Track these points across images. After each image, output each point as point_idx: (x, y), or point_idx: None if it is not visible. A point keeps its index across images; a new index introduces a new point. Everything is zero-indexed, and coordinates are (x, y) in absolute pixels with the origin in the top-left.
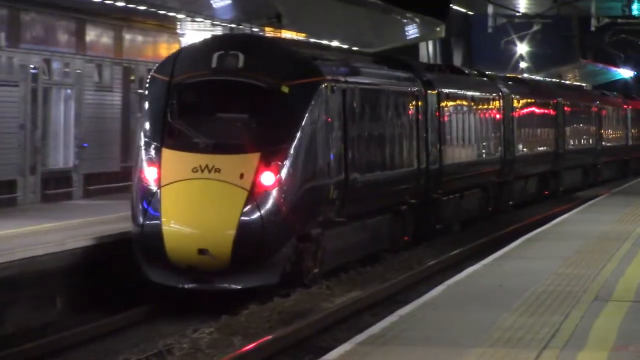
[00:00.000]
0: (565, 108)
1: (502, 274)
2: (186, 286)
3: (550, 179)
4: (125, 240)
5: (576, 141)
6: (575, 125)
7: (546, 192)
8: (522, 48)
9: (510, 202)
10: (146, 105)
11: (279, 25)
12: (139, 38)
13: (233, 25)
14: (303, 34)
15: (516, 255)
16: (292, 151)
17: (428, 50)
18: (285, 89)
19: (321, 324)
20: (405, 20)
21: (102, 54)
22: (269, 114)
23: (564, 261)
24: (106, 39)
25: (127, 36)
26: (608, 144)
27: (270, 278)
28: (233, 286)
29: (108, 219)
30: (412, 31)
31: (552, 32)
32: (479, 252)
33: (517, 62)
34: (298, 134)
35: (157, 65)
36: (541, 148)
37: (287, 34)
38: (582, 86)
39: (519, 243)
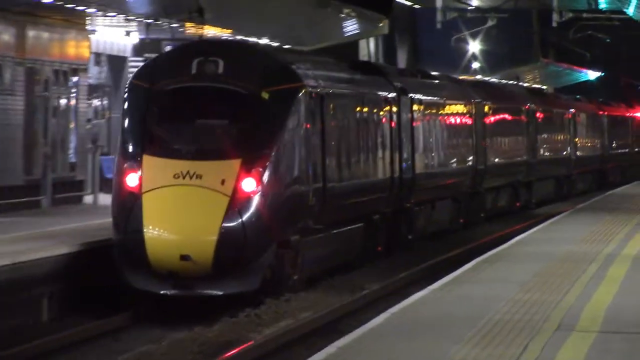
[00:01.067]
0: (538, 114)
1: (454, 301)
2: (168, 292)
3: (523, 190)
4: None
5: (549, 151)
6: (547, 134)
7: (517, 204)
8: (474, 46)
9: (482, 214)
10: (126, 111)
11: (201, 21)
12: (44, 35)
13: (150, 21)
14: (228, 30)
15: (469, 279)
16: (273, 157)
17: (369, 48)
18: (265, 95)
19: (246, 358)
20: (342, 15)
21: (2, 52)
22: (250, 120)
23: (523, 286)
24: (7, 36)
25: (31, 33)
26: (583, 154)
27: (251, 284)
28: (214, 292)
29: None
30: (351, 27)
31: (508, 29)
32: (435, 272)
33: (470, 62)
34: (278, 140)
35: (135, 71)
36: (514, 158)
37: (210, 31)
38: (543, 89)
39: (472, 265)
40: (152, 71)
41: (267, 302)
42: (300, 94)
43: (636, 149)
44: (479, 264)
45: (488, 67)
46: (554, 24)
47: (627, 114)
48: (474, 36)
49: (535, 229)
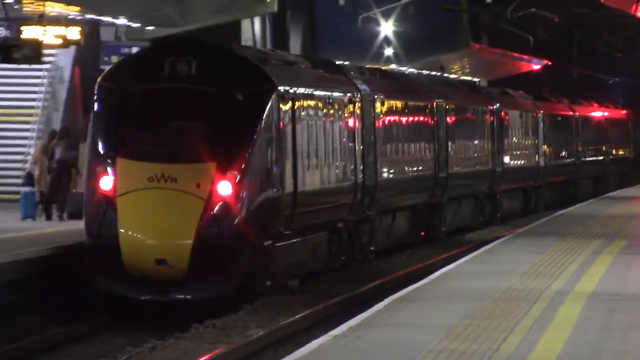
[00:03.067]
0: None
1: (360, 352)
2: (142, 297)
3: (487, 203)
4: None
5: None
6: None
7: (481, 219)
8: (387, 28)
9: (443, 228)
10: (96, 113)
11: None
12: None
13: None
14: (75, 8)
15: (381, 322)
16: (248, 160)
17: (254, 31)
18: (239, 97)
19: None
20: None
21: None
22: (224, 122)
23: (449, 332)
24: None
25: None
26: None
27: (226, 289)
28: (189, 297)
29: None
30: (230, 5)
31: (430, 6)
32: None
33: (381, 48)
34: (253, 143)
35: (104, 72)
36: (478, 166)
37: (53, 8)
38: (474, 82)
39: (386, 304)
40: (122, 72)
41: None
42: (274, 96)
43: (585, 158)
44: (393, 304)
45: (404, 54)
46: (488, 1)
47: (571, 113)
48: (386, 15)
49: (464, 259)
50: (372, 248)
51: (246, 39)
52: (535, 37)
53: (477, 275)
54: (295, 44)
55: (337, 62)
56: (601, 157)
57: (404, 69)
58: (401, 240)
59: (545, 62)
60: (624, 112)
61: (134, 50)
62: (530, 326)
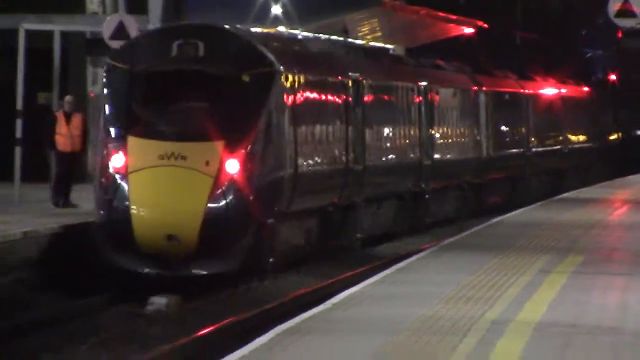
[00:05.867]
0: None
1: None
2: (153, 272)
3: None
4: None
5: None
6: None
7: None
8: None
9: (358, 235)
10: (107, 93)
11: None
12: None
13: None
14: None
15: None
16: (254, 140)
17: None
18: (246, 78)
19: None
20: None
21: None
22: (231, 103)
23: None
24: None
25: None
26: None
27: (233, 265)
28: (197, 272)
29: None
30: None
31: None
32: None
33: (267, 6)
34: (259, 123)
35: (113, 52)
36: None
37: None
38: (388, 49)
39: (271, 338)
40: (132, 53)
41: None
42: (278, 77)
43: (536, 149)
44: (281, 337)
45: (297, 13)
46: None
47: (523, 91)
48: None
49: (374, 278)
50: (358, 235)
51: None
52: None
53: (390, 299)
54: (155, 6)
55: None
56: (557, 148)
57: (296, 31)
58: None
59: (479, 23)
60: (587, 90)
61: None
62: None
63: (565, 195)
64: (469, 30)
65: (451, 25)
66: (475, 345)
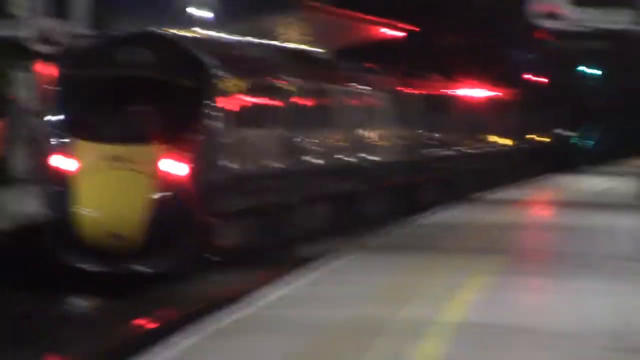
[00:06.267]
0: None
1: None
2: (99, 268)
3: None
4: None
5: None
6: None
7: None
8: None
9: (361, 220)
10: (54, 98)
11: None
12: None
13: None
14: None
15: None
16: (195, 142)
17: None
18: (187, 83)
19: None
20: None
21: None
22: (173, 107)
23: None
24: None
25: None
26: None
27: (175, 262)
28: (140, 268)
29: None
30: None
31: None
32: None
33: (188, 8)
34: (200, 126)
35: (62, 59)
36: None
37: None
38: (321, 54)
39: (196, 339)
40: (79, 59)
41: None
42: (218, 83)
43: (466, 150)
44: (205, 338)
45: (221, 16)
46: None
47: (452, 93)
48: None
49: (298, 280)
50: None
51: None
52: None
53: (314, 301)
54: (77, 8)
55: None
56: (487, 149)
57: (221, 34)
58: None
59: (408, 27)
60: (514, 91)
61: None
62: None
63: (487, 195)
64: (395, 33)
65: (378, 27)
66: (399, 346)
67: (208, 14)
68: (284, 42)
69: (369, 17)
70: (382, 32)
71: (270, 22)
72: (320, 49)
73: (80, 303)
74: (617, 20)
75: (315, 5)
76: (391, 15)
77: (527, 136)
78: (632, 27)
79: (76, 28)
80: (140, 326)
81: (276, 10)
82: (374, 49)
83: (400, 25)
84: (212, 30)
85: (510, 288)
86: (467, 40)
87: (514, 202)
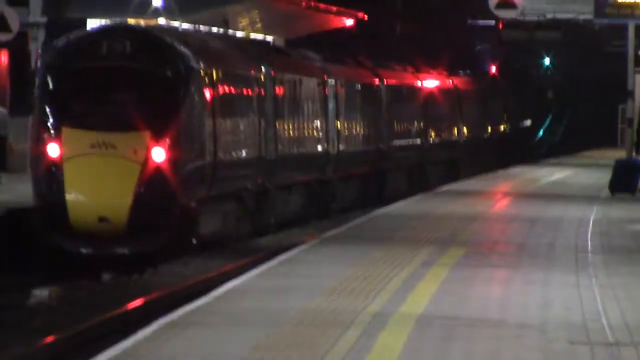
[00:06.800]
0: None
1: None
2: (86, 251)
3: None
4: None
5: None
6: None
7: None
8: None
9: (334, 206)
10: (42, 88)
11: None
12: None
13: None
14: None
15: (146, 355)
16: (177, 130)
17: None
18: (168, 74)
19: None
20: None
21: None
22: (156, 97)
23: None
24: None
25: None
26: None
27: (159, 244)
28: (127, 250)
29: None
30: None
31: None
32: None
33: None
34: (181, 115)
35: (48, 51)
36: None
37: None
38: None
39: (154, 330)
40: (65, 52)
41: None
42: (196, 74)
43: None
44: (163, 330)
45: (178, 5)
46: None
47: (420, 84)
48: None
49: (255, 271)
50: (272, 220)
51: None
52: None
53: (271, 292)
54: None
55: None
56: (452, 139)
57: (176, 24)
58: (295, 217)
59: (359, 15)
60: (476, 81)
61: None
62: (342, 359)
63: (447, 187)
64: (349, 21)
65: (332, 16)
66: (358, 337)
67: (158, 2)
68: (239, 30)
69: (322, 5)
70: (335, 21)
71: (223, 11)
72: (272, 37)
73: (42, 293)
74: (571, 10)
75: None
76: (346, 3)
77: (488, 127)
78: (586, 16)
79: (33, 16)
80: (101, 316)
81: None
82: (329, 37)
83: (355, 13)
84: (167, 20)
85: (472, 279)
86: (425, 29)
87: (473, 193)
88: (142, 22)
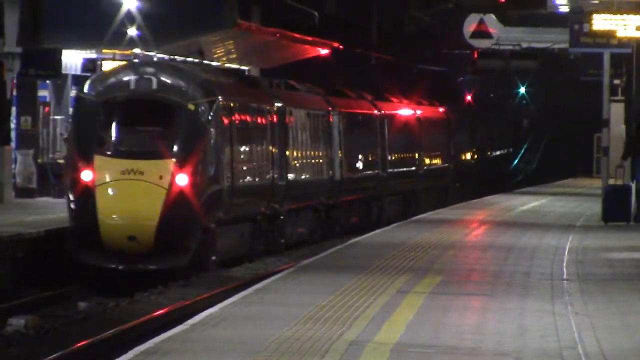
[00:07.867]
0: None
1: None
2: (117, 267)
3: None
4: None
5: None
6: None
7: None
8: (130, 2)
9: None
10: (77, 119)
11: None
12: None
13: None
14: None
15: None
16: (199, 158)
17: None
18: (191, 107)
19: None
20: None
21: None
22: (180, 127)
23: None
24: None
25: None
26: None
27: (182, 261)
28: (152, 266)
29: None
30: None
31: None
32: None
33: (123, 27)
34: (203, 144)
35: (82, 86)
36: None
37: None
38: (244, 70)
39: (129, 359)
40: (98, 86)
41: None
42: (218, 106)
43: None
44: (139, 358)
45: (153, 35)
46: None
47: (378, 112)
48: None
49: (231, 299)
50: (282, 240)
51: None
52: (322, 13)
53: (248, 320)
54: (11, 25)
55: (255, 77)
56: (413, 169)
57: (152, 54)
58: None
59: (334, 45)
60: (443, 110)
61: None
62: None
63: (421, 216)
64: (324, 51)
65: (306, 46)
66: None
67: (135, 32)
68: (214, 60)
69: (297, 35)
70: (310, 50)
71: (198, 41)
72: (248, 66)
73: (18, 322)
74: (547, 39)
75: (245, 24)
76: (320, 33)
77: (461, 156)
78: (562, 45)
79: (9, 46)
80: (77, 342)
81: (208, 29)
82: (302, 66)
83: (329, 43)
84: (147, 50)
85: (448, 307)
86: (397, 59)
87: (446, 222)
88: (117, 52)
